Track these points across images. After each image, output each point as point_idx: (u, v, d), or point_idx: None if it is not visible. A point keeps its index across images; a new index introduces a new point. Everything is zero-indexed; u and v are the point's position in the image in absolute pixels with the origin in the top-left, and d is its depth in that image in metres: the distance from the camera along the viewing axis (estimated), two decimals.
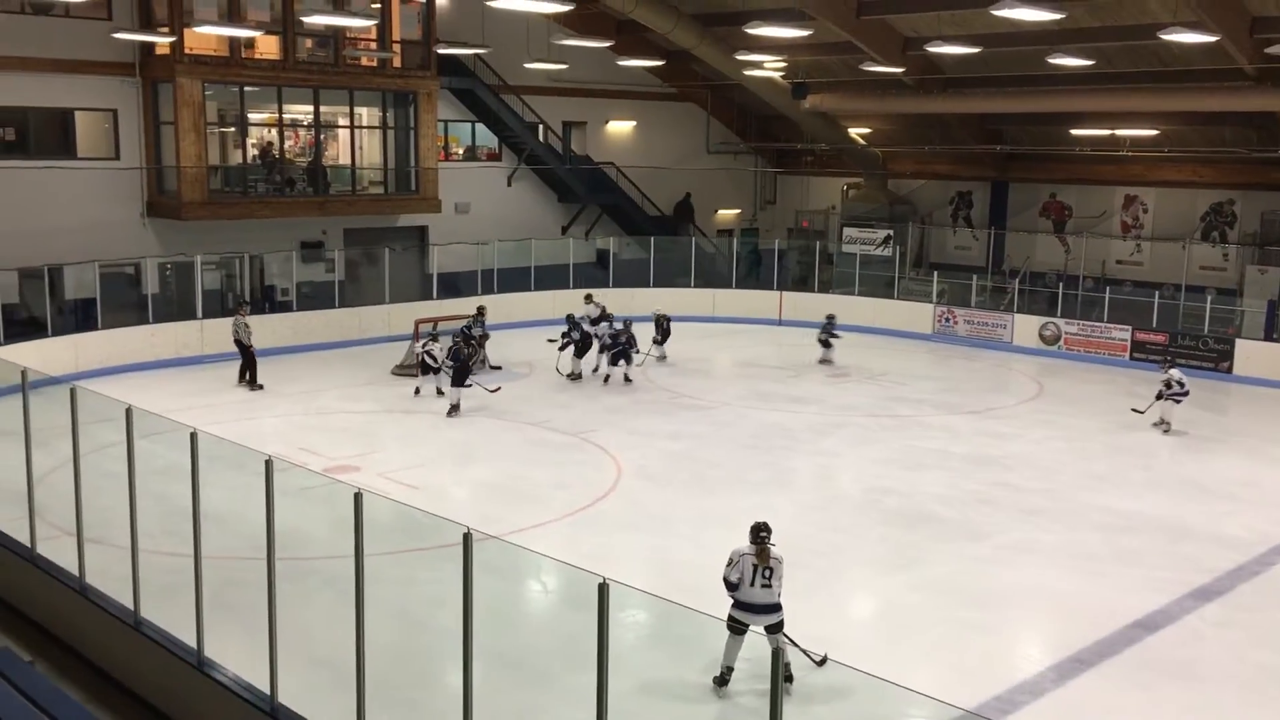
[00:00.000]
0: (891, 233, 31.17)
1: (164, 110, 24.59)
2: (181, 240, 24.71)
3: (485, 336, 22.76)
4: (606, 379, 21.91)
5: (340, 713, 7.50)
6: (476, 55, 28.67)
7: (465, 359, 19.45)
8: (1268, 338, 24.33)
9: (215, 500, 9.33)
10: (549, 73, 28.44)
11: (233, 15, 23.91)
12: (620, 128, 34.20)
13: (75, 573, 9.81)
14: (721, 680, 9.28)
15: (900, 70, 27.71)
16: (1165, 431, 18.83)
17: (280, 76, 25.43)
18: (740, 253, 32.74)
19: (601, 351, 22.05)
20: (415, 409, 19.63)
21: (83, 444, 9.70)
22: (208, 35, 23.99)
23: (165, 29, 23.59)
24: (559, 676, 9.55)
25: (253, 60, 25.30)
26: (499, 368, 22.71)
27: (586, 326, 22.45)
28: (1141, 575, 12.55)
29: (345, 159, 27.48)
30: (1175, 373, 19.04)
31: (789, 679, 9.21)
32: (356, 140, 27.38)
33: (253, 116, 26.22)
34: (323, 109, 26.56)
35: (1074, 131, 29.17)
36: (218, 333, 22.31)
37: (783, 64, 30.34)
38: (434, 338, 20.14)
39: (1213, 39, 21.13)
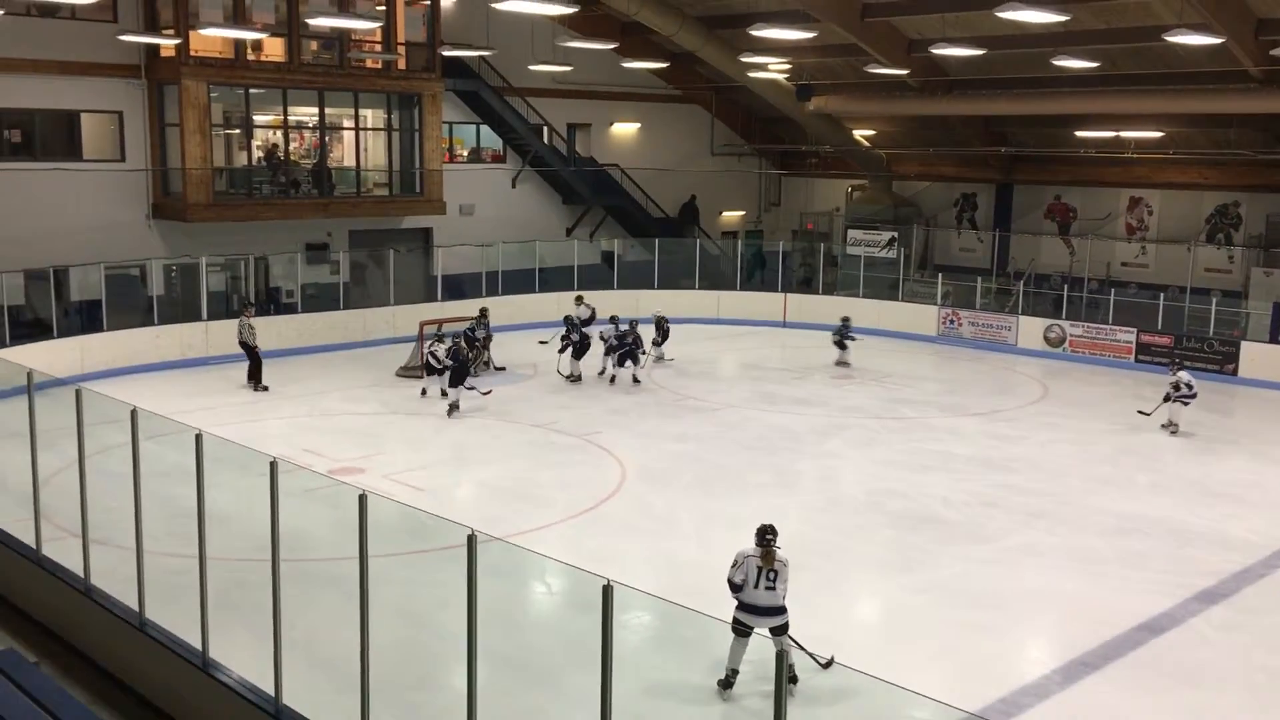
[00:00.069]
0: (896, 235, 31.16)
1: (169, 112, 24.64)
2: (187, 242, 24.76)
3: (488, 338, 22.79)
4: (613, 380, 21.92)
5: (344, 714, 7.50)
6: (481, 57, 28.72)
7: (464, 359, 19.45)
8: (1273, 340, 24.26)
9: (220, 501, 9.33)
10: (554, 74, 28.45)
11: (238, 17, 23.96)
12: (625, 129, 34.22)
13: (80, 574, 9.82)
14: (726, 683, 9.27)
15: (905, 72, 27.71)
16: (1173, 433, 18.81)
17: (285, 78, 25.47)
18: (745, 255, 32.73)
19: (608, 353, 22.06)
20: (419, 411, 19.64)
21: (88, 445, 9.71)
22: (213, 37, 24.05)
23: (170, 31, 23.65)
24: (563, 678, 9.54)
25: (258, 62, 25.35)
26: (503, 369, 22.74)
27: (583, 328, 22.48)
28: (1146, 578, 12.53)
29: (350, 161, 27.52)
30: (1184, 375, 19.01)
31: (793, 680, 9.21)
32: (361, 142, 27.43)
33: (258, 118, 26.27)
34: (328, 111, 26.62)
35: (1079, 133, 29.13)
36: (223, 334, 22.33)
37: (787, 66, 30.33)
38: (439, 338, 20.15)
39: (1218, 41, 21.09)
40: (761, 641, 9.10)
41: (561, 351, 22.28)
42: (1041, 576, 12.54)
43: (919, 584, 12.25)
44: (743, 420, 19.36)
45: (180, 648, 8.65)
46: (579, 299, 24.44)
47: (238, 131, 26.01)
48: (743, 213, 37.50)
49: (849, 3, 26.16)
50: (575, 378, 21.89)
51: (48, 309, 21.63)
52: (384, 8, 26.52)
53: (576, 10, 20.10)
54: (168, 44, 23.67)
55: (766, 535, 9.32)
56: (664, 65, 31.03)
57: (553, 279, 28.68)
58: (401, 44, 26.93)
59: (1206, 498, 15.58)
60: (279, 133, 26.35)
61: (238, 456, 9.65)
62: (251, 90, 25.49)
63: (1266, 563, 13.08)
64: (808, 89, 31.44)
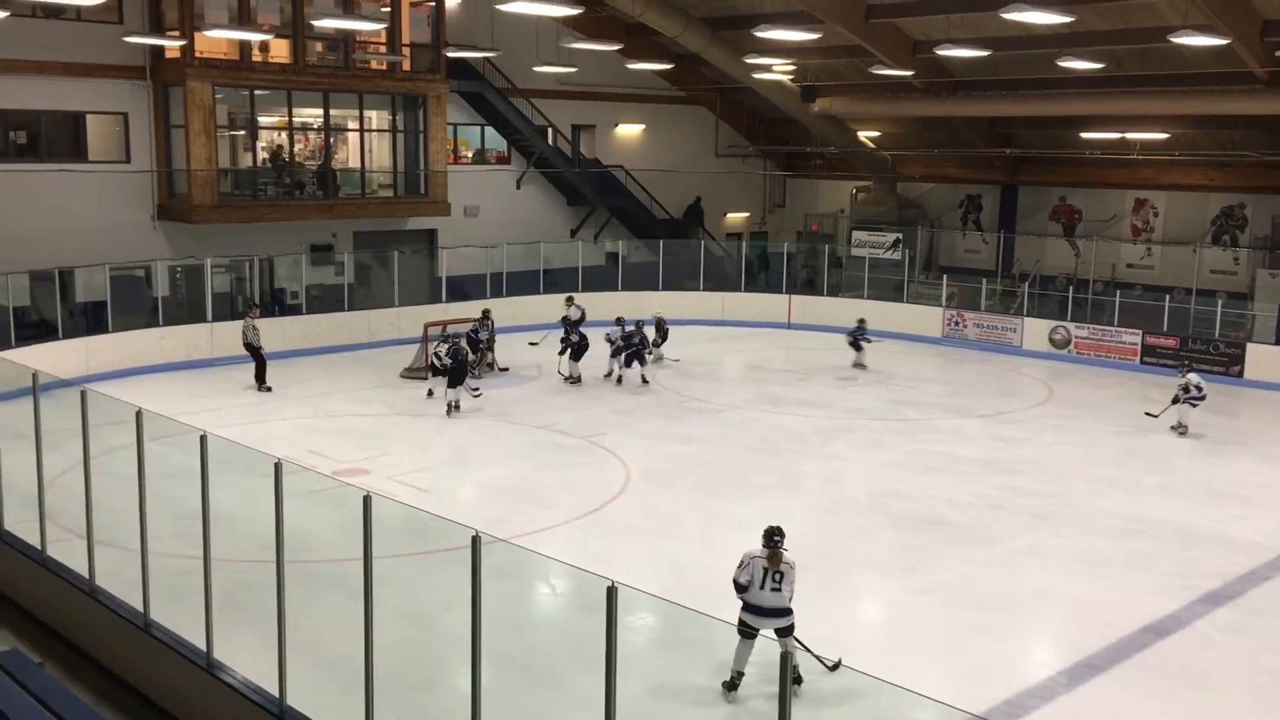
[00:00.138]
0: (901, 236, 31.16)
1: (174, 113, 24.68)
2: (192, 243, 24.79)
3: (492, 339, 22.81)
4: (619, 380, 21.93)
5: (349, 715, 7.51)
6: (486, 59, 28.73)
7: (463, 359, 19.46)
8: (1278, 342, 24.20)
9: (225, 503, 9.35)
10: (558, 76, 28.47)
11: (243, 19, 23.99)
12: (629, 131, 34.23)
13: (85, 575, 9.85)
14: (731, 685, 9.26)
15: (909, 73, 27.68)
16: (1182, 434, 18.77)
17: (290, 80, 25.51)
18: (749, 256, 32.74)
19: (614, 355, 22.08)
20: (424, 412, 19.64)
21: (93, 446, 9.73)
22: (218, 39, 24.08)
23: (176, 32, 23.67)
24: (567, 679, 9.54)
25: (263, 64, 25.38)
26: (506, 370, 22.77)
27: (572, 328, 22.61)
28: (1152, 580, 12.51)
29: (355, 162, 27.54)
30: (1194, 377, 18.98)
31: (798, 682, 9.20)
32: (366, 143, 27.45)
33: (263, 120, 26.30)
34: (332, 112, 26.64)
35: (1084, 135, 29.09)
36: (227, 335, 22.36)
37: (792, 67, 30.33)
38: (445, 339, 20.16)
39: (1223, 42, 21.06)
40: (766, 643, 9.10)
41: (561, 353, 22.29)
42: (1046, 578, 12.51)
43: (924, 585, 12.23)
44: (747, 422, 19.35)
45: (185, 649, 8.66)
46: (569, 300, 24.54)
47: (243, 133, 26.04)
48: (747, 214, 37.50)
49: (853, 4, 26.15)
50: (575, 379, 21.89)
51: (53, 310, 21.66)
52: (389, 9, 26.55)
53: (581, 11, 20.11)
54: (173, 45, 23.70)
55: (774, 537, 9.31)
56: (668, 66, 31.02)
57: (557, 280, 28.68)
58: (406, 45, 26.94)
59: (1212, 499, 15.55)
60: (284, 134, 26.39)
61: (242, 458, 9.67)
62: (256, 91, 25.53)
63: (1272, 565, 13.04)
64: (812, 90, 31.42)
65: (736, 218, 37.15)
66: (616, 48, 26.23)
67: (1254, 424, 20.83)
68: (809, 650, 9.31)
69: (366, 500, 7.19)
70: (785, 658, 5.50)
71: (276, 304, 25.57)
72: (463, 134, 30.92)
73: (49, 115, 24.08)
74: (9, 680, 8.13)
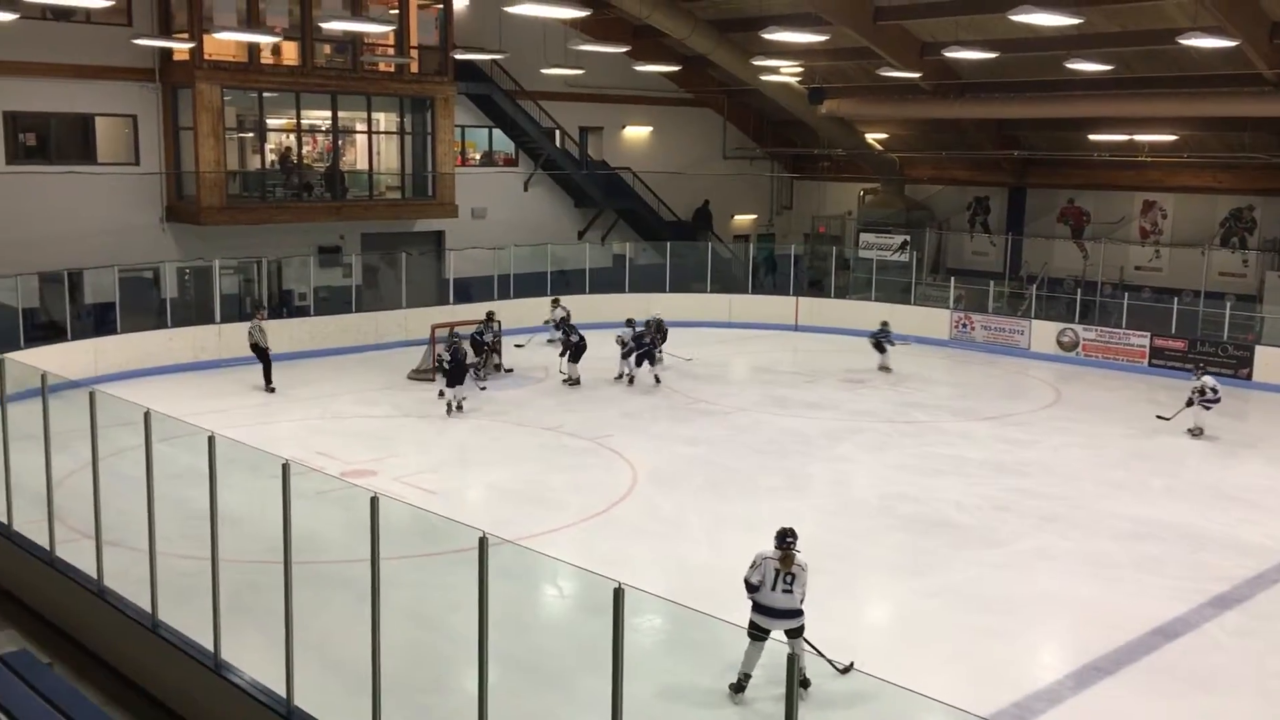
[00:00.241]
0: (908, 238, 31.12)
1: (183, 115, 24.75)
2: (200, 245, 24.85)
3: (496, 341, 22.86)
4: (631, 380, 21.95)
5: (355, 716, 7.51)
6: (494, 61, 28.75)
7: (461, 358, 19.50)
8: None
9: (232, 504, 9.36)
10: (566, 78, 28.48)
11: (251, 21, 24.04)
12: (637, 133, 34.24)
13: (94, 575, 9.87)
14: (738, 686, 9.25)
15: (917, 75, 27.65)
16: (1197, 436, 18.72)
17: (298, 82, 25.56)
18: (757, 258, 32.72)
19: (625, 355, 22.11)
20: (431, 413, 19.65)
21: (101, 447, 9.75)
22: (227, 41, 24.15)
23: (184, 35, 23.73)
24: (574, 681, 9.54)
25: (271, 66, 25.44)
26: (510, 371, 22.81)
27: (556, 330, 22.84)
28: (1160, 583, 12.47)
29: (363, 164, 27.59)
30: (1208, 379, 18.93)
31: (805, 684, 9.18)
32: (374, 145, 27.50)
33: (271, 122, 26.36)
34: (340, 114, 26.70)
35: (1092, 137, 29.04)
36: (235, 337, 22.40)
37: (799, 69, 30.32)
38: (451, 340, 20.19)
39: (1232, 44, 20.99)
40: (774, 645, 9.09)
41: (562, 355, 22.32)
42: (1054, 581, 12.49)
43: (931, 588, 12.22)
44: (754, 424, 19.34)
45: (192, 649, 8.68)
46: (555, 301, 24.56)
47: (251, 135, 26.12)
48: (754, 216, 37.48)
49: (861, 6, 26.14)
50: (574, 381, 21.89)
51: (62, 312, 21.72)
52: (397, 11, 26.59)
53: (588, 14, 20.13)
54: (182, 48, 23.77)
55: (786, 538, 9.30)
56: (676, 68, 31.01)
57: (564, 282, 28.70)
58: (414, 47, 26.99)
59: (1221, 502, 15.51)
60: (292, 136, 26.44)
61: (250, 459, 9.69)
62: (265, 94, 25.59)
63: None
64: (820, 92, 31.41)
65: (744, 220, 37.14)
66: (624, 50, 26.24)
67: (1263, 427, 20.77)
68: (820, 653, 9.30)
69: (374, 501, 7.20)
70: (792, 659, 5.50)
71: (284, 305, 25.63)
72: (470, 136, 30.94)
73: (58, 117, 24.16)
74: (18, 680, 8.15)
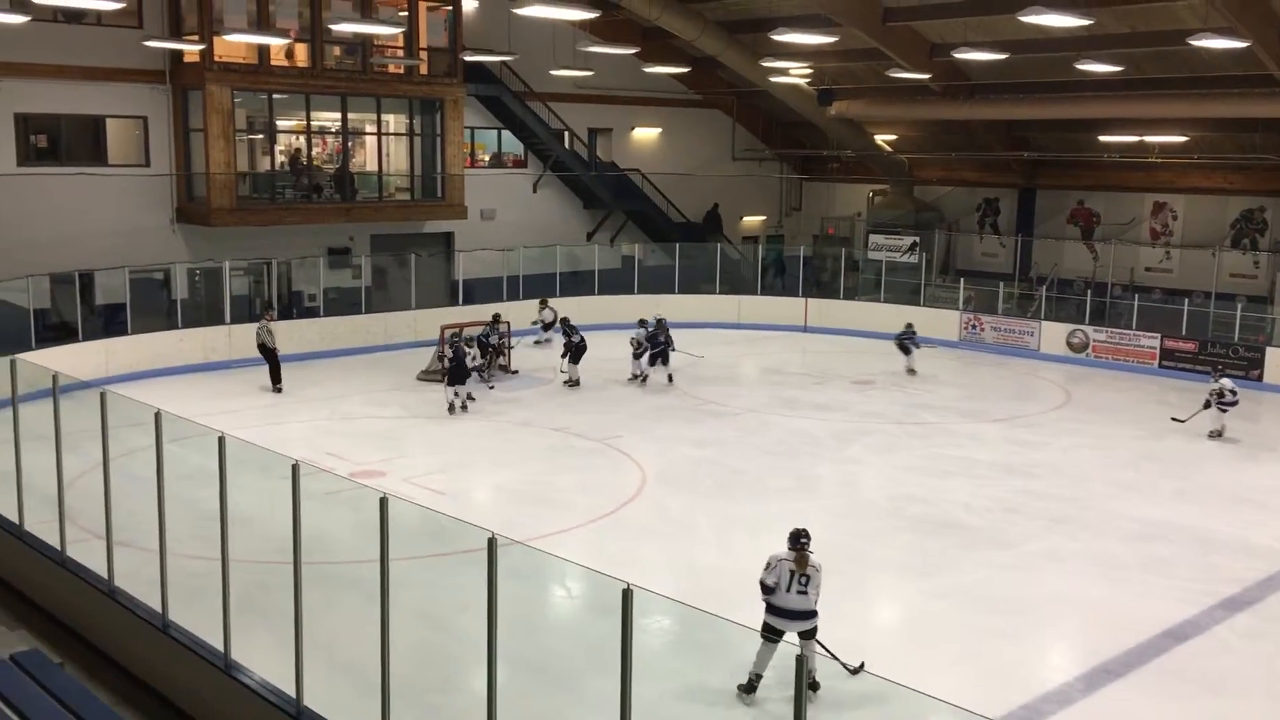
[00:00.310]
0: (918, 239, 31.08)
1: (194, 117, 24.83)
2: (210, 246, 24.92)
3: (503, 342, 22.90)
4: (644, 380, 21.97)
5: (365, 716, 7.53)
6: (503, 62, 28.79)
7: (462, 357, 19.53)
8: None
9: (242, 504, 9.38)
10: (575, 79, 28.51)
11: (261, 23, 24.11)
12: (646, 134, 34.25)
13: (104, 575, 9.90)
14: (749, 687, 9.24)
15: (926, 76, 27.62)
16: (1213, 436, 18.66)
17: (308, 84, 25.63)
18: (765, 259, 32.71)
19: (638, 355, 22.14)
20: (440, 414, 19.66)
21: (112, 448, 9.78)
22: (237, 43, 24.22)
23: (195, 37, 23.82)
24: (583, 682, 9.54)
25: (281, 68, 25.50)
26: (515, 372, 22.84)
27: (544, 332, 22.98)
28: (1170, 585, 12.44)
29: (372, 166, 27.65)
30: (1226, 382, 18.88)
31: (814, 687, 9.17)
32: (383, 147, 27.55)
33: (281, 123, 26.43)
34: (350, 116, 26.74)
35: (1102, 138, 28.97)
36: (245, 338, 22.46)
37: (808, 70, 30.30)
38: (465, 342, 20.24)
39: (1243, 45, 20.93)
40: (785, 646, 9.08)
41: (562, 355, 22.36)
42: (1064, 582, 12.46)
43: (940, 589, 12.20)
44: (763, 425, 19.33)
45: (203, 649, 8.70)
46: (543, 302, 24.58)
47: (261, 136, 26.18)
48: (764, 217, 37.47)
49: (870, 7, 26.12)
50: (574, 382, 21.91)
51: (73, 312, 21.83)
52: (406, 13, 26.65)
53: (598, 15, 20.16)
54: (192, 50, 23.85)
55: (800, 539, 9.28)
56: (685, 70, 31.03)
57: (573, 284, 28.72)
58: (424, 49, 27.03)
59: (1231, 504, 15.45)
60: (302, 138, 26.51)
61: (260, 459, 9.71)
62: (275, 95, 25.66)
63: None
64: (829, 93, 31.39)
65: (753, 221, 37.13)
66: (633, 51, 26.27)
67: (1274, 429, 20.68)
68: (831, 654, 9.29)
69: (383, 502, 7.22)
70: (800, 660, 5.49)
71: (294, 306, 25.69)
72: (480, 137, 30.99)
73: (69, 119, 24.27)
74: (29, 680, 8.18)
